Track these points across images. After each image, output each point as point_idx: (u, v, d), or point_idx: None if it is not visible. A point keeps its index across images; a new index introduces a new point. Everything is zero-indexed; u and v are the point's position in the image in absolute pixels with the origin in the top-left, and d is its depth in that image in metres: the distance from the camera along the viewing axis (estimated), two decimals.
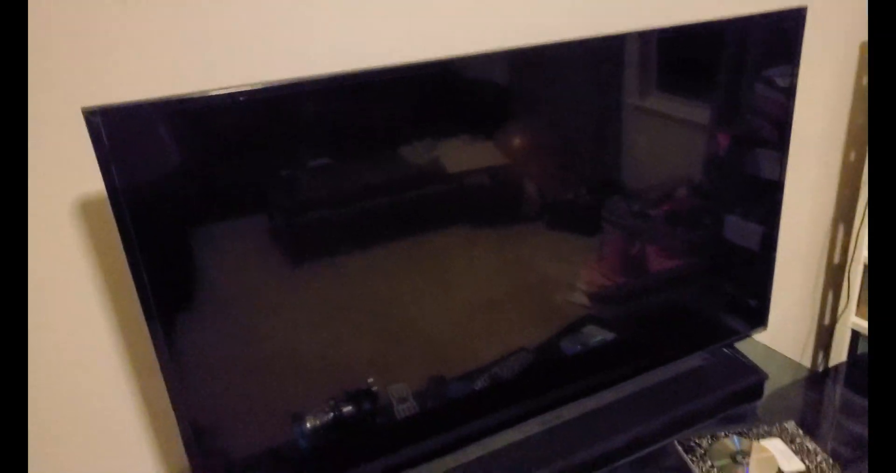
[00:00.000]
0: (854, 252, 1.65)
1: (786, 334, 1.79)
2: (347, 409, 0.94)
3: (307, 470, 0.96)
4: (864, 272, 1.66)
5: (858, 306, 1.71)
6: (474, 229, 0.97)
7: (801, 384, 1.28)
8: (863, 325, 1.68)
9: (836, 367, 1.67)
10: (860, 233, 1.62)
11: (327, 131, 0.83)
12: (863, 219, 1.61)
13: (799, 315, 1.80)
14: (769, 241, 1.27)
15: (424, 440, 1.04)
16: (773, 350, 1.39)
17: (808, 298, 1.79)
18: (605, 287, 1.12)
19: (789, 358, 1.37)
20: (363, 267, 0.91)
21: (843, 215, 1.75)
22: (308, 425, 0.92)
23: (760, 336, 1.69)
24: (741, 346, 1.38)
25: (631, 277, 1.14)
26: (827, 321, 1.85)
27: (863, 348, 1.73)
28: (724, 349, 1.35)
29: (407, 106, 0.86)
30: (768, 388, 1.28)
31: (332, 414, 0.93)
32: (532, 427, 1.17)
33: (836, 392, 1.27)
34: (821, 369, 1.83)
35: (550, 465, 1.08)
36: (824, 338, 1.87)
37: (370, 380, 0.96)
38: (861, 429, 1.16)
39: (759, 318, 1.33)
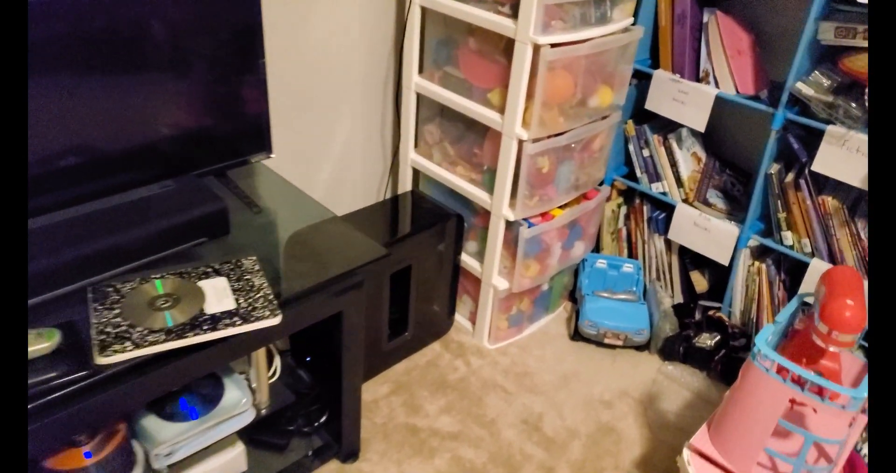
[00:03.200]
0: (402, 82, 1.56)
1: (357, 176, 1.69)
2: None
3: None
4: (416, 101, 1.60)
5: (416, 144, 1.66)
6: None
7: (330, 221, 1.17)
8: (418, 161, 1.64)
9: (403, 194, 1.62)
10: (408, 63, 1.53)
11: None
12: (405, 45, 1.52)
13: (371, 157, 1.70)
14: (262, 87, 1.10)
15: None
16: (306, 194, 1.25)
17: (375, 135, 1.70)
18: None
19: (320, 204, 1.23)
20: None
21: (398, 45, 1.65)
22: None
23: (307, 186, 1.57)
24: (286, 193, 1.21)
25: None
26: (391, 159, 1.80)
27: (421, 185, 1.71)
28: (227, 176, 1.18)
29: None
30: (282, 227, 1.13)
31: None
32: None
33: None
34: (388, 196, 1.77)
35: None
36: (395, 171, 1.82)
37: None
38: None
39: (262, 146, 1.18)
